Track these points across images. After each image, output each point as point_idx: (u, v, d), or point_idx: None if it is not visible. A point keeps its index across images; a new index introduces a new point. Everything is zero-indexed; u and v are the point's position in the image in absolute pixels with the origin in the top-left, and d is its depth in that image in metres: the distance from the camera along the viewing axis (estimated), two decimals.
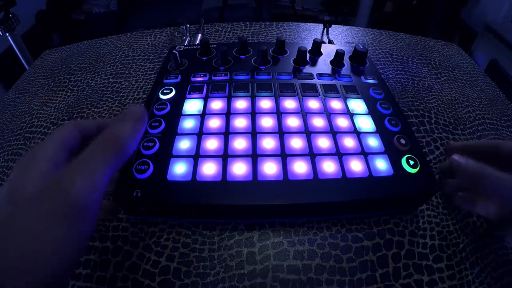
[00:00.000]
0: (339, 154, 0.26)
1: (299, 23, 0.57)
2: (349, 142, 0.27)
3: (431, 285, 0.23)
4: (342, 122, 0.28)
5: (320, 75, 0.34)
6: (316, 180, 0.24)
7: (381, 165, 0.25)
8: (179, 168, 0.24)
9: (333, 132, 0.27)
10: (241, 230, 0.25)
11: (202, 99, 0.30)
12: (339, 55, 0.35)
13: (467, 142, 0.29)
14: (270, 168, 0.24)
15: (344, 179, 0.24)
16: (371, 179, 0.24)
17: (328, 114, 0.29)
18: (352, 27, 0.56)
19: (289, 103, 0.30)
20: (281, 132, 0.27)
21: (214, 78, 0.33)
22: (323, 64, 0.36)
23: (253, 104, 0.30)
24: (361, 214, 0.26)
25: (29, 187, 0.15)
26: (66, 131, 0.18)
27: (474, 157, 0.25)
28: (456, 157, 0.26)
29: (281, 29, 0.54)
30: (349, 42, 0.52)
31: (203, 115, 0.29)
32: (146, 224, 0.25)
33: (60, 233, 0.14)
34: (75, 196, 0.15)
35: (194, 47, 0.39)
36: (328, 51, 0.38)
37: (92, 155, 0.16)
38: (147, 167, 0.24)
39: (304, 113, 0.29)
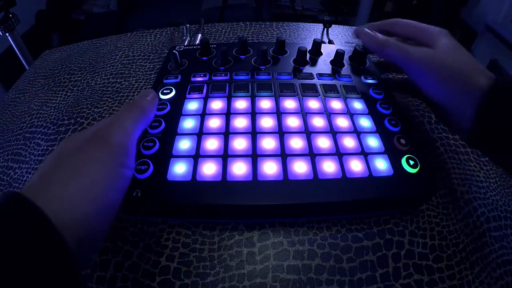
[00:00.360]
0: (339, 154, 0.26)
1: (299, 23, 0.57)
2: (349, 142, 0.27)
3: (431, 285, 0.23)
4: (342, 122, 0.28)
5: (320, 75, 0.34)
6: (316, 180, 0.24)
7: (381, 165, 0.25)
8: (179, 168, 0.24)
9: (333, 132, 0.27)
10: (241, 230, 0.25)
11: (202, 99, 0.30)
12: (339, 55, 0.35)
13: (371, 23, 0.35)
14: (270, 168, 0.24)
15: (344, 179, 0.24)
16: (371, 179, 0.24)
17: (328, 114, 0.29)
18: (352, 27, 0.56)
19: (289, 103, 0.30)
20: (281, 132, 0.27)
21: (214, 78, 0.33)
22: (323, 64, 0.36)
23: (253, 104, 0.30)
24: (361, 214, 0.26)
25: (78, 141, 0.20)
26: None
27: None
28: (365, 28, 0.33)
29: (281, 29, 0.54)
30: (349, 42, 0.51)
31: (203, 115, 0.29)
32: (146, 224, 0.25)
33: (105, 167, 0.19)
34: (110, 137, 0.20)
35: (194, 47, 0.39)
36: (328, 51, 0.38)
37: (122, 111, 0.23)
38: (147, 167, 0.24)
39: (304, 113, 0.29)
